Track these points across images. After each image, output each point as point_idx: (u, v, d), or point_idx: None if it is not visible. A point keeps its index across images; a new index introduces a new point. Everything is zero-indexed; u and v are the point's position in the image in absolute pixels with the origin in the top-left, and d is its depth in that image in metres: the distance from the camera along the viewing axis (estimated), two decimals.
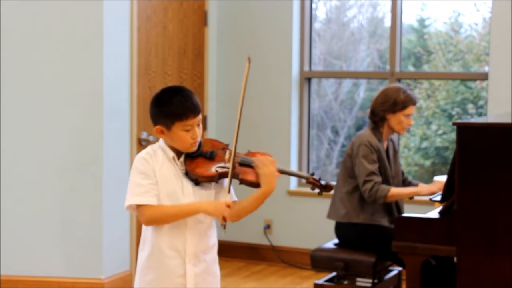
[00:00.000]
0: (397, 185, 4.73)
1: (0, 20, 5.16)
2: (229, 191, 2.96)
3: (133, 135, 5.41)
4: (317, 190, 3.12)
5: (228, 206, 2.90)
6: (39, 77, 5.19)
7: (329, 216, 4.73)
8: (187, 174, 2.98)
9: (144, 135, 5.49)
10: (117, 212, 5.26)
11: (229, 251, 6.29)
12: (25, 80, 5.20)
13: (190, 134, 2.95)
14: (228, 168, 2.96)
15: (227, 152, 3.02)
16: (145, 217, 2.91)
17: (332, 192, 4.89)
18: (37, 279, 5.19)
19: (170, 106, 2.94)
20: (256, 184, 2.99)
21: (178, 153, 3.01)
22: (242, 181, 3.00)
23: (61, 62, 5.18)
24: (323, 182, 3.12)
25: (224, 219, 2.90)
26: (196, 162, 2.99)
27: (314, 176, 3.12)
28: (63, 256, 5.20)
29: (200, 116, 2.99)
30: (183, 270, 2.98)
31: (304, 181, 3.16)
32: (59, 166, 5.19)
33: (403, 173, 4.87)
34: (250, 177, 2.99)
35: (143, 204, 2.91)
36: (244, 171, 2.99)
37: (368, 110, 4.75)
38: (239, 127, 3.00)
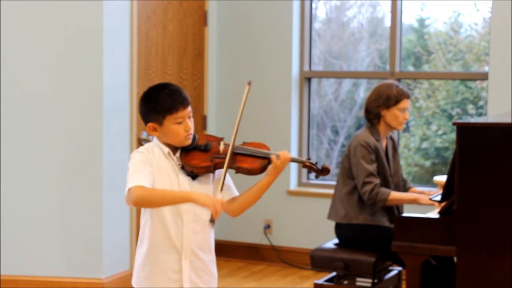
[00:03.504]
0: (396, 184, 4.73)
1: (0, 20, 5.15)
2: (222, 186, 2.95)
3: (133, 135, 5.41)
4: (314, 174, 3.13)
5: (222, 203, 2.87)
6: (39, 77, 5.19)
7: (330, 217, 4.73)
8: (183, 168, 3.00)
9: (144, 135, 5.49)
10: (117, 212, 5.26)
11: (229, 251, 6.29)
12: (25, 80, 5.19)
13: (183, 127, 2.97)
14: (223, 158, 2.98)
15: (222, 143, 3.05)
16: (134, 195, 2.84)
17: (332, 189, 4.91)
18: (37, 279, 5.19)
19: (159, 101, 2.96)
20: (252, 171, 3.01)
21: (173, 149, 3.02)
22: (238, 169, 3.02)
23: (61, 62, 5.18)
24: (319, 166, 3.13)
25: (215, 215, 2.87)
26: (191, 155, 3.01)
27: (310, 160, 3.13)
28: (63, 256, 5.20)
29: (190, 108, 3.00)
30: (179, 266, 2.99)
31: (308, 171, 3.17)
32: (59, 166, 5.19)
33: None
34: (246, 164, 3.01)
35: (135, 186, 2.88)
36: (239, 160, 3.02)
37: (362, 110, 4.74)
38: (239, 125, 3.02)
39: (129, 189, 2.88)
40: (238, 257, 6.34)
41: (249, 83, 3.05)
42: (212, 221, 2.90)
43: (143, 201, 2.90)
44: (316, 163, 3.14)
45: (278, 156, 3.01)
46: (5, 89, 5.19)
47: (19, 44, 5.19)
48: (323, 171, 3.13)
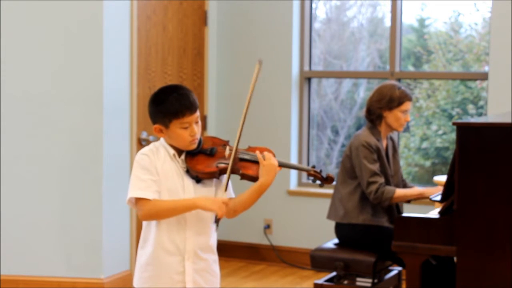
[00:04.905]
0: (396, 184, 4.73)
1: (0, 20, 5.16)
2: (226, 189, 2.97)
3: (133, 135, 5.41)
4: (318, 182, 3.13)
5: (226, 204, 2.91)
6: (39, 77, 5.19)
7: (329, 216, 4.73)
8: (188, 171, 3.00)
9: (144, 135, 5.49)
10: (117, 212, 5.26)
11: (229, 251, 6.29)
12: (25, 80, 5.20)
13: (188, 132, 2.97)
14: (228, 163, 2.97)
15: (227, 148, 3.04)
16: (143, 211, 2.93)
17: (332, 189, 4.91)
18: (37, 279, 5.19)
19: (166, 104, 2.95)
20: (256, 179, 3.00)
21: (179, 152, 3.02)
22: (243, 176, 3.01)
23: (61, 62, 5.18)
24: (324, 174, 3.13)
25: (220, 215, 2.90)
26: (197, 159, 3.00)
27: (315, 169, 3.12)
28: (63, 256, 5.20)
29: (198, 113, 2.99)
30: (182, 267, 3.00)
31: (308, 175, 3.16)
32: (59, 166, 5.19)
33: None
34: (251, 171, 3.00)
35: (142, 199, 2.92)
36: (244, 166, 3.01)
37: (364, 109, 4.75)
38: (243, 125, 3.01)
39: (137, 203, 2.94)
40: (238, 257, 6.34)
41: (260, 62, 3.03)
42: (216, 221, 2.91)
43: (152, 216, 2.97)
44: (321, 171, 3.13)
45: (264, 157, 3.01)
46: (5, 89, 5.19)
47: (19, 44, 5.19)
48: (327, 180, 3.12)
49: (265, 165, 2.98)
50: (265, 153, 3.02)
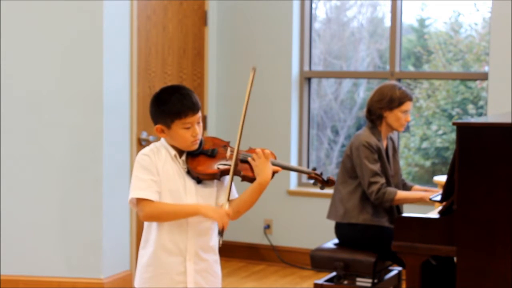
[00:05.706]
0: (396, 184, 4.74)
1: (0, 20, 5.16)
2: (228, 199, 2.96)
3: (133, 135, 5.41)
4: (319, 185, 3.13)
5: (228, 214, 2.91)
6: (39, 77, 5.19)
7: (329, 216, 4.73)
8: (189, 172, 3.00)
9: (144, 135, 5.49)
10: (117, 212, 5.26)
11: (229, 251, 6.29)
12: (26, 80, 5.20)
13: (190, 132, 2.97)
14: (229, 165, 2.97)
15: (228, 149, 3.04)
16: (144, 212, 2.93)
17: (332, 189, 4.91)
18: (37, 279, 5.19)
19: (169, 104, 2.95)
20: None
21: (180, 152, 3.02)
22: (244, 178, 3.01)
23: (61, 62, 5.18)
24: (325, 177, 3.13)
25: (223, 227, 2.90)
26: (198, 160, 3.00)
27: (316, 171, 3.12)
28: (63, 256, 5.20)
29: (199, 114, 3.00)
30: (184, 268, 3.00)
31: (306, 176, 3.17)
32: (59, 166, 5.19)
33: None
34: (251, 173, 3.00)
35: (143, 200, 2.92)
36: (245, 168, 3.01)
37: (364, 110, 4.75)
38: (242, 130, 3.01)
39: (138, 204, 2.94)
40: (238, 257, 6.34)
41: (254, 69, 3.03)
42: (220, 233, 2.91)
43: (153, 218, 2.97)
44: (322, 173, 3.13)
45: (252, 157, 3.01)
46: (6, 89, 5.19)
47: (19, 44, 5.19)
48: (328, 182, 3.12)
49: (257, 165, 2.99)
50: (256, 151, 3.03)
